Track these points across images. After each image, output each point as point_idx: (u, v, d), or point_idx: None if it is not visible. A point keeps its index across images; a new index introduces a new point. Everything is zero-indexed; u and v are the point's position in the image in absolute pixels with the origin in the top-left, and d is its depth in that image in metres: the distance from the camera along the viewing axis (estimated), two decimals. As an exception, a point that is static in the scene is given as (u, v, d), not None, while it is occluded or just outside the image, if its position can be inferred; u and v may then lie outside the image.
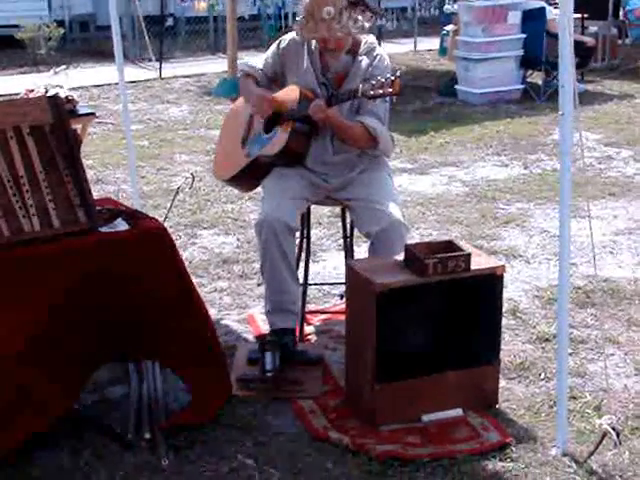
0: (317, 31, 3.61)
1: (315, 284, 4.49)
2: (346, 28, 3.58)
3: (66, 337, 3.02)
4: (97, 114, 6.61)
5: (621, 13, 12.04)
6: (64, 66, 6.83)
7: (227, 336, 3.97)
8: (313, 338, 4.01)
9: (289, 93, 3.76)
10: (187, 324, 3.24)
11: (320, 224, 5.47)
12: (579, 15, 9.98)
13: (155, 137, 8.02)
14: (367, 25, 3.67)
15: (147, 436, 3.15)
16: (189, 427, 3.20)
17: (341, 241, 4.46)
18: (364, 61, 3.73)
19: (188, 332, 3.24)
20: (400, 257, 3.32)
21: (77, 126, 5.11)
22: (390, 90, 3.48)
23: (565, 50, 2.84)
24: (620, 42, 11.65)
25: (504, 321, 3.70)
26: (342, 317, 3.76)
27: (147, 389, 3.39)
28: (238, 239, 5.28)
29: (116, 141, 7.80)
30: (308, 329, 4.06)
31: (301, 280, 3.92)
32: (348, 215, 3.96)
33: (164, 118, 8.89)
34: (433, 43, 12.85)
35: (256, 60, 3.95)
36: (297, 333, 3.85)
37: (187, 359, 3.26)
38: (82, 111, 5.51)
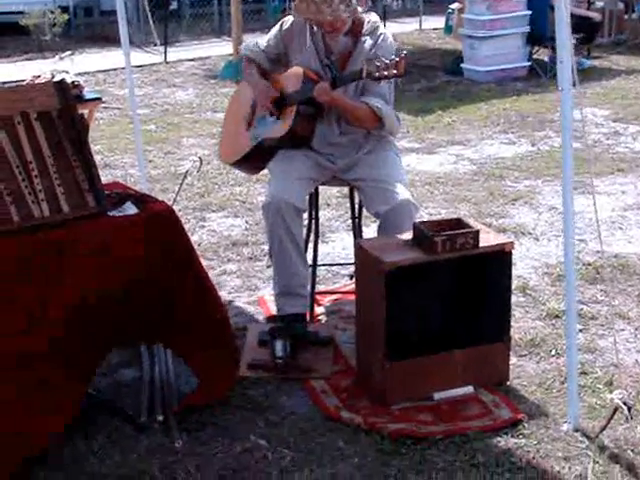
0: (308, 12, 3.59)
1: (324, 265, 4.50)
2: (336, 11, 3.54)
3: (77, 323, 3.02)
4: (103, 99, 6.60)
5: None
6: (69, 52, 6.82)
7: (238, 318, 3.98)
8: (323, 319, 4.02)
9: (293, 75, 3.75)
10: (198, 306, 3.24)
11: (328, 205, 5.47)
12: (585, -10, 9.93)
13: (162, 121, 8.02)
14: (360, 8, 3.65)
15: (160, 419, 3.16)
16: (201, 409, 3.22)
17: (350, 222, 4.46)
18: (367, 42, 3.70)
19: (199, 314, 3.24)
20: (409, 235, 3.32)
21: (84, 111, 5.11)
22: (395, 72, 3.46)
23: (562, 25, 2.81)
24: (626, 17, 11.57)
25: (514, 298, 3.70)
26: (352, 297, 3.76)
27: (159, 372, 3.40)
28: (247, 221, 5.29)
29: (123, 126, 7.80)
30: (318, 310, 4.07)
31: (310, 261, 3.92)
32: (356, 195, 3.96)
33: (170, 102, 8.88)
34: (438, 22, 12.79)
35: (258, 40, 3.93)
36: (307, 316, 3.86)
37: (198, 341, 3.26)
38: (88, 96, 5.51)
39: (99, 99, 5.76)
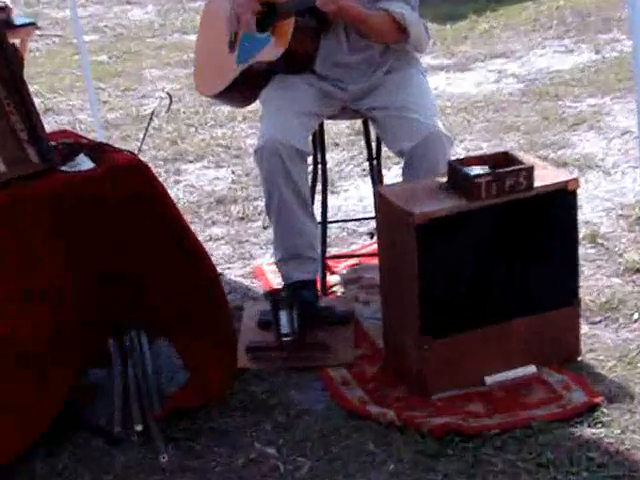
0: None
1: (336, 221, 4.52)
2: None
3: (29, 310, 3.05)
4: (38, 24, 6.59)
5: None
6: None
7: (230, 295, 3.99)
8: (339, 290, 4.05)
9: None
10: (186, 281, 3.26)
11: (337, 145, 5.47)
12: None
13: (116, 49, 8.00)
14: None
15: (139, 428, 3.18)
16: (190, 413, 3.25)
17: (366, 165, 4.46)
18: None
19: (188, 291, 3.27)
20: (443, 177, 3.33)
21: (15, 41, 5.10)
22: None
23: None
24: None
25: (581, 250, 3.71)
26: (374, 261, 3.78)
27: (134, 369, 3.41)
28: (233, 172, 5.30)
29: (66, 58, 7.79)
30: (332, 279, 4.10)
31: (319, 218, 3.95)
32: (373, 130, 3.96)
33: (125, 24, 8.86)
34: None
35: None
36: (318, 285, 3.90)
37: (185, 324, 3.29)
38: (19, 21, 5.51)
39: (33, 24, 5.76)
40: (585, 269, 3.91)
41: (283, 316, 3.55)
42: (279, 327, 3.56)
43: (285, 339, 3.55)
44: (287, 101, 3.71)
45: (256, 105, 4.02)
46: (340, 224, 4.56)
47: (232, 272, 4.27)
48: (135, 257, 3.20)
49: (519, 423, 3.10)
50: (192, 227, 4.54)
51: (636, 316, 3.65)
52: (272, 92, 3.79)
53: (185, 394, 3.31)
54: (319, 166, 4.04)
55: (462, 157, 3.73)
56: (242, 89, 3.90)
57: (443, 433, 3.07)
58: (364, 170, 4.96)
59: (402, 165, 3.71)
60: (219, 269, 4.24)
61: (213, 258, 4.30)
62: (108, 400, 3.34)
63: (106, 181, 3.11)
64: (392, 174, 4.68)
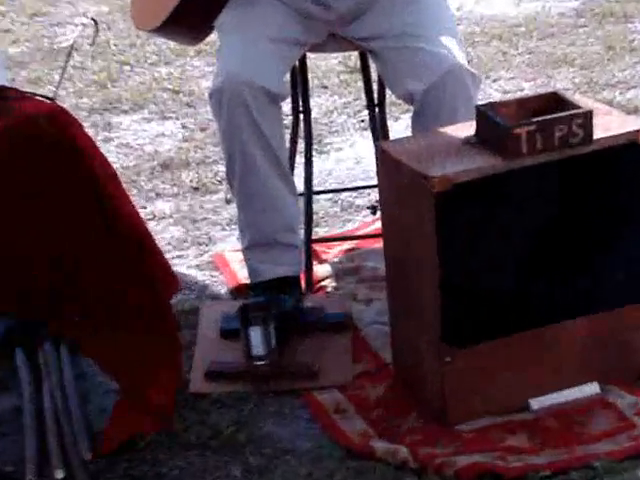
0: None
1: (326, 192, 4.54)
2: None
3: None
4: None
5: None
6: None
7: (181, 293, 4.00)
8: (330, 285, 4.07)
9: None
10: (119, 267, 3.27)
11: (325, 87, 5.48)
12: None
13: (20, -41, 7.99)
14: None
15: (59, 476, 3.18)
16: (130, 453, 3.25)
17: (364, 113, 4.47)
18: None
19: (119, 280, 3.28)
20: (468, 129, 3.33)
21: None
22: None
23: None
24: None
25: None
26: (377, 244, 3.79)
27: (51, 394, 3.42)
28: (184, 126, 5.31)
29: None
30: (320, 270, 4.12)
31: (300, 188, 3.96)
32: (373, 66, 3.96)
33: None
34: None
35: None
36: (302, 281, 3.93)
37: (112, 321, 3.29)
38: None
39: None
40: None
41: (255, 335, 3.54)
42: (250, 348, 3.56)
43: (258, 364, 3.56)
44: (253, 23, 3.71)
45: (214, 37, 4.00)
46: (331, 195, 4.57)
47: (184, 262, 4.28)
48: (50, 232, 3.21)
49: (577, 462, 3.10)
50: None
51: None
52: (232, 12, 3.78)
53: (121, 424, 3.31)
54: (300, 116, 4.05)
55: (495, 101, 3.73)
56: (189, 18, 3.88)
57: (474, 476, 3.08)
58: (363, 121, 4.96)
59: (412, 114, 3.73)
60: (168, 257, 4.26)
61: (159, 243, 4.34)
62: (16, 438, 3.36)
63: (9, 139, 3.12)
64: (400, 126, 4.69)
